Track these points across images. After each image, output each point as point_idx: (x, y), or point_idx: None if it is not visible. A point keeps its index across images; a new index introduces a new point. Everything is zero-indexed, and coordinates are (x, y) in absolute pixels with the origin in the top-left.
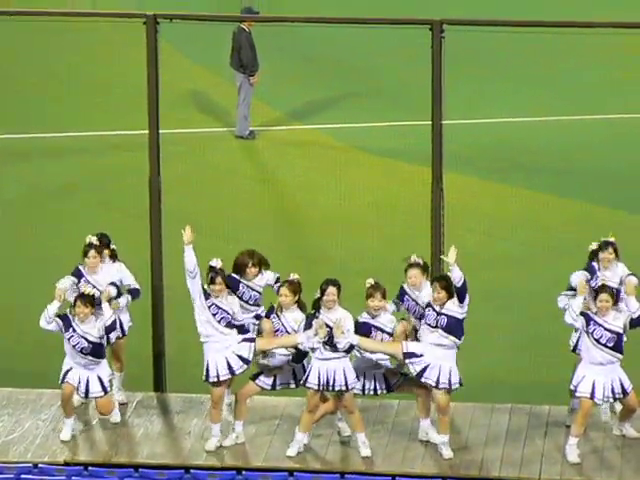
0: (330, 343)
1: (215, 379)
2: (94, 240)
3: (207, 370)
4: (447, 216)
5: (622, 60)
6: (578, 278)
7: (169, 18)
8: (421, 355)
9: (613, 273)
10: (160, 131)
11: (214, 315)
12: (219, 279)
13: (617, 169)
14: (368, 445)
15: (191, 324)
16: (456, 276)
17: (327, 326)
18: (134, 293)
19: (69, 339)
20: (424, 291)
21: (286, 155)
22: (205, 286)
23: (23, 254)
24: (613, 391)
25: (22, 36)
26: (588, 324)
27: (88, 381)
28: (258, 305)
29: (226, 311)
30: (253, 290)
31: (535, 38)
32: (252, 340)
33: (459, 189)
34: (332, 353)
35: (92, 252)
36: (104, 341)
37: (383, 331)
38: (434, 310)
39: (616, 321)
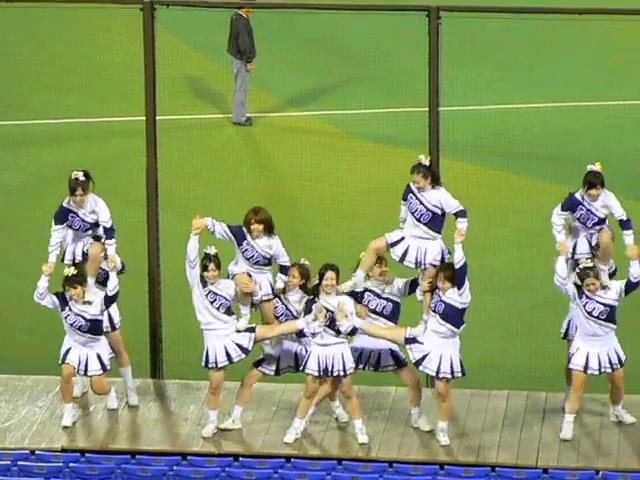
0: (332, 327)
1: (213, 365)
2: (80, 176)
3: (206, 356)
4: None
5: (622, 45)
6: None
7: (166, 4)
8: (422, 342)
9: (600, 202)
10: (157, 117)
11: (212, 302)
12: (212, 265)
13: (617, 155)
14: (365, 432)
15: (188, 310)
16: (456, 257)
17: (327, 310)
18: (109, 234)
19: (66, 318)
20: (430, 193)
21: (283, 141)
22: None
23: (20, 240)
24: (610, 361)
25: (19, 23)
26: (580, 297)
27: (87, 359)
28: (268, 264)
29: (223, 297)
30: (256, 251)
31: (533, 24)
32: (252, 330)
33: (456, 175)
34: (332, 338)
35: (79, 190)
36: (103, 316)
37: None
38: (437, 295)
39: (608, 294)
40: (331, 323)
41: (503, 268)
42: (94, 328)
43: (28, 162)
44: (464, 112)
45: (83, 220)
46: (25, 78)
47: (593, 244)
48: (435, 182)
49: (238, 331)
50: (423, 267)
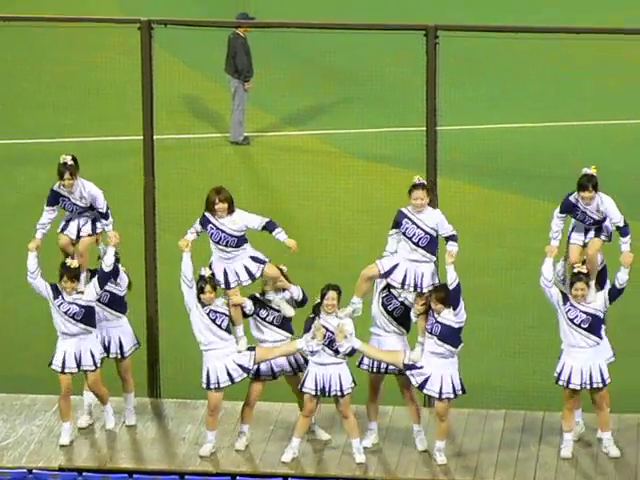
0: (331, 347)
1: (215, 385)
2: (69, 160)
3: (207, 377)
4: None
5: (617, 66)
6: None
7: (164, 23)
8: (421, 367)
9: (595, 206)
10: (155, 137)
11: (214, 320)
12: (208, 287)
13: (612, 174)
14: (363, 451)
15: (186, 329)
16: (450, 277)
17: (327, 330)
18: (104, 216)
19: (59, 306)
20: (425, 214)
21: (280, 161)
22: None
23: (15, 260)
24: (591, 378)
25: (16, 41)
26: (564, 303)
27: (81, 354)
28: (239, 244)
29: (224, 313)
30: (222, 231)
31: (530, 44)
32: (252, 349)
33: (453, 195)
34: (330, 358)
35: (67, 175)
36: (98, 297)
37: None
38: (433, 316)
39: (592, 303)
40: (330, 343)
41: (500, 288)
42: (87, 316)
43: (24, 181)
44: (461, 132)
45: (74, 204)
46: (21, 97)
47: (586, 241)
48: (431, 201)
49: (239, 352)
50: (421, 291)
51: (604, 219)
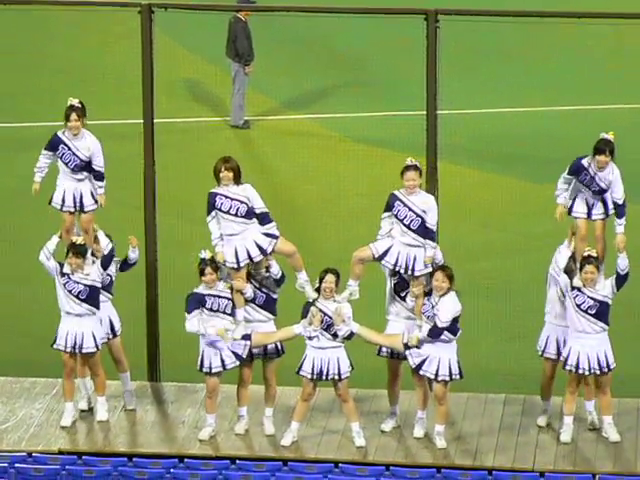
0: (329, 331)
1: (207, 370)
2: (76, 102)
3: (201, 360)
4: (441, 206)
5: (620, 50)
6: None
7: (164, 7)
8: (419, 347)
9: (606, 173)
10: (155, 120)
11: (216, 311)
12: (209, 269)
13: (617, 159)
14: (362, 435)
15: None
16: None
17: (325, 314)
18: (99, 177)
19: (65, 284)
20: (418, 197)
21: (280, 145)
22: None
23: (15, 245)
24: (599, 363)
25: (15, 25)
26: (572, 289)
27: (83, 337)
28: (250, 216)
29: (227, 297)
30: (233, 200)
31: (531, 28)
32: (248, 337)
33: (454, 179)
34: (328, 342)
35: (74, 115)
36: (104, 279)
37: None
38: (430, 303)
39: (601, 290)
40: (328, 327)
41: (501, 272)
42: (92, 296)
43: (24, 166)
44: (462, 116)
45: (74, 154)
46: (21, 81)
47: (591, 205)
48: (430, 185)
49: (234, 339)
50: (412, 274)
51: (607, 190)
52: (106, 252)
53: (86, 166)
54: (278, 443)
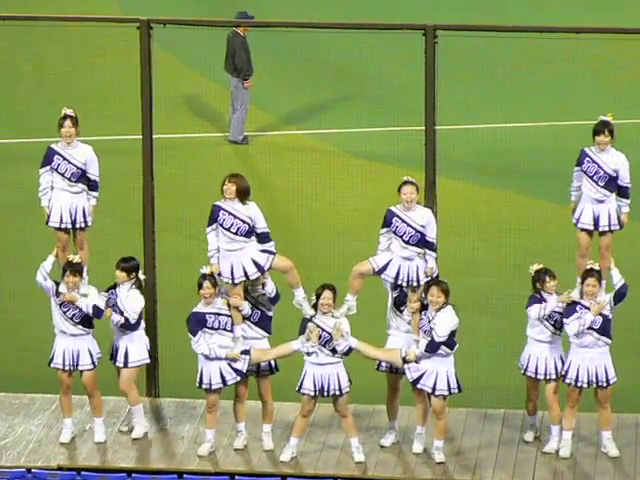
0: (328, 347)
1: (207, 386)
2: (70, 112)
3: (200, 377)
4: (440, 221)
5: (617, 64)
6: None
7: (163, 23)
8: (418, 362)
9: (608, 156)
10: (154, 136)
11: (217, 329)
12: (207, 283)
13: None
14: (362, 450)
15: (185, 329)
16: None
17: (323, 330)
18: (93, 186)
19: (60, 305)
20: (415, 212)
21: (278, 160)
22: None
23: (13, 259)
24: (597, 377)
25: (15, 40)
26: (577, 311)
27: (79, 354)
28: (249, 235)
29: (226, 315)
30: (236, 218)
31: (530, 43)
32: (247, 352)
33: (452, 194)
34: (327, 358)
35: (68, 122)
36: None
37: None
38: (427, 317)
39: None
40: (326, 343)
41: (499, 288)
42: (86, 319)
43: (23, 180)
44: (461, 131)
45: (70, 162)
46: (20, 96)
47: (596, 216)
48: (429, 200)
49: (233, 358)
50: (417, 284)
51: (616, 178)
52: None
53: (82, 175)
54: (277, 459)
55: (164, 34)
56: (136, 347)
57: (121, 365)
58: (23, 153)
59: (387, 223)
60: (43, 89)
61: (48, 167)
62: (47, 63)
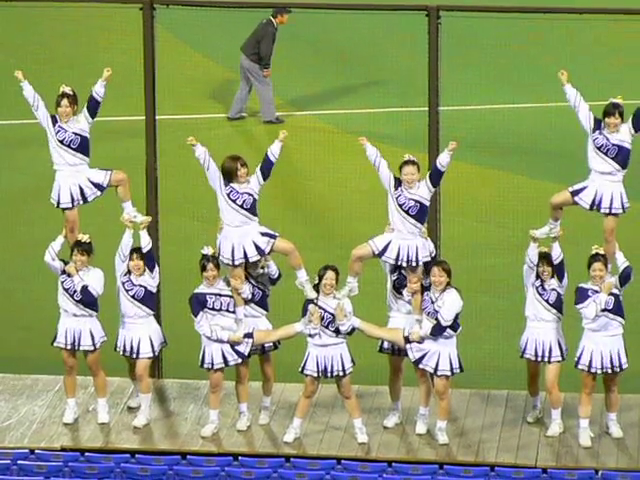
0: (331, 328)
1: (209, 366)
2: (68, 90)
3: (203, 356)
4: (443, 203)
5: (621, 46)
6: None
7: (165, 4)
8: (421, 342)
9: (621, 135)
10: (157, 117)
11: (219, 310)
12: (211, 265)
13: None
14: (365, 431)
15: (188, 310)
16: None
17: (325, 311)
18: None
19: (63, 282)
20: (420, 189)
21: (284, 142)
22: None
23: (16, 241)
24: (612, 362)
25: (18, 22)
26: (590, 295)
27: (81, 334)
28: (255, 214)
29: (228, 295)
30: (242, 193)
31: (533, 24)
32: (250, 336)
33: (456, 175)
34: (330, 339)
35: (65, 101)
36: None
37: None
38: (430, 299)
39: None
40: (329, 324)
41: (503, 269)
42: (87, 298)
43: (26, 162)
44: (464, 112)
45: (66, 131)
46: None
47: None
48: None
49: (236, 340)
50: (417, 264)
51: (628, 151)
52: (145, 250)
53: (81, 144)
54: (280, 439)
55: (167, 15)
56: (153, 335)
57: (134, 357)
58: (25, 135)
59: (397, 185)
60: (45, 71)
61: (45, 112)
62: (48, 44)
